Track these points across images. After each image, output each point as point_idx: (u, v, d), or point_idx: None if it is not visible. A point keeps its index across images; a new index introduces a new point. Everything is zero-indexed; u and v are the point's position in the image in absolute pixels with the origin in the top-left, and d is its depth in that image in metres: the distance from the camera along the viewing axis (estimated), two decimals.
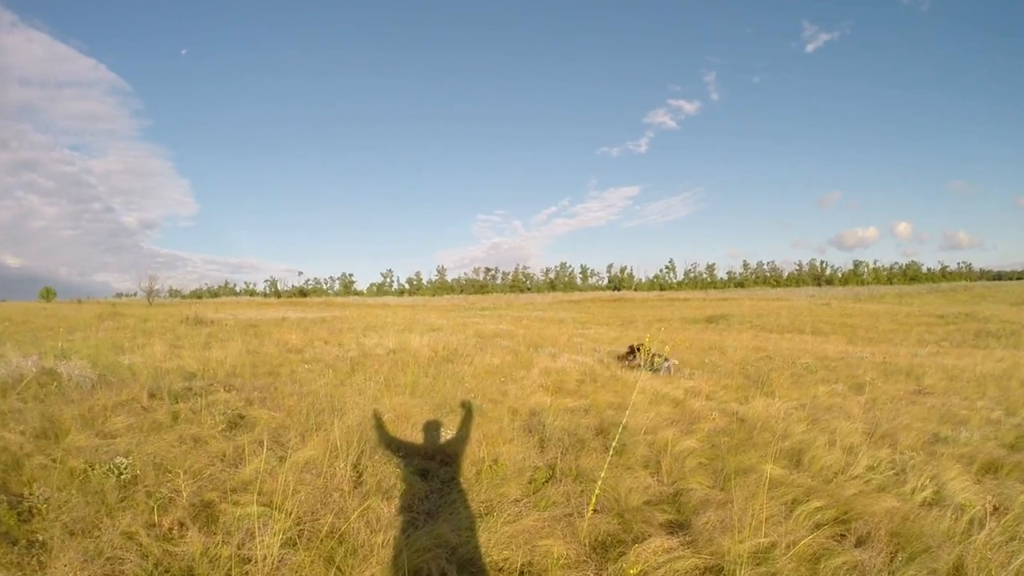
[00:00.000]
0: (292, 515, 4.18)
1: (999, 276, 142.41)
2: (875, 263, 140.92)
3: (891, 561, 3.90)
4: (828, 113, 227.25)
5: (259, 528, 3.84)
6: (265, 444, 5.48)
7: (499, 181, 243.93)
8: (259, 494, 4.40)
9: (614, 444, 5.18)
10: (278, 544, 3.75)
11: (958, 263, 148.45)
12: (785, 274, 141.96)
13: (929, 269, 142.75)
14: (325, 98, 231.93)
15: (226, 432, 6.10)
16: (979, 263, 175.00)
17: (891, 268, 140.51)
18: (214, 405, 6.95)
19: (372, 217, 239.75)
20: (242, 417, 6.69)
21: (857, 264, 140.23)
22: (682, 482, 5.31)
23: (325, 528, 4.07)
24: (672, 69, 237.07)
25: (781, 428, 7.10)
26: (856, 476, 5.55)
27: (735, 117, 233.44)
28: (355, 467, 5.27)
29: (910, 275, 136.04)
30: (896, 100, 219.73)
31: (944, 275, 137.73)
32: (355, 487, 4.95)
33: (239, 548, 3.75)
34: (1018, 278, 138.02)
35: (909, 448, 6.53)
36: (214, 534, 3.91)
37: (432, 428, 6.61)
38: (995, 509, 4.72)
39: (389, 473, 5.18)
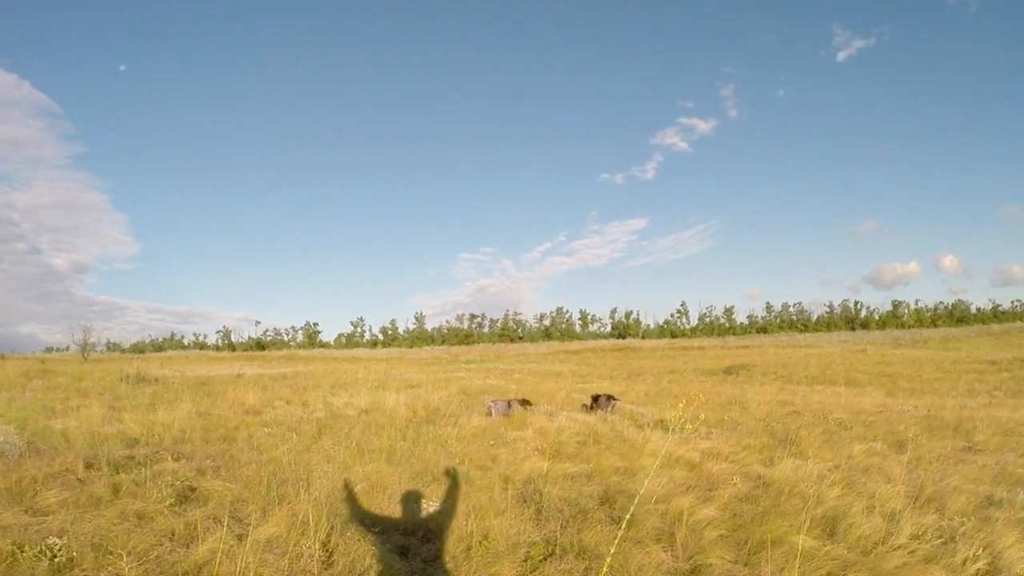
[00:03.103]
0: None
1: None
2: (917, 303, 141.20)
3: None
4: (862, 131, 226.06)
5: None
6: (221, 520, 5.48)
7: (485, 215, 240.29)
8: None
9: (626, 515, 5.21)
10: None
11: (1012, 301, 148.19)
12: (814, 317, 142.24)
13: (979, 309, 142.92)
14: (285, 122, 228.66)
15: (175, 507, 6.09)
16: None
17: (935, 308, 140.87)
18: (160, 476, 6.95)
19: (340, 258, 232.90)
20: (193, 489, 6.68)
21: (896, 304, 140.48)
22: (700, 557, 5.34)
23: None
24: (684, 82, 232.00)
25: (812, 493, 7.13)
26: (899, 546, 5.59)
27: (756, 137, 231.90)
28: (324, 545, 5.28)
29: (957, 316, 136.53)
30: (941, 115, 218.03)
31: (996, 315, 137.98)
32: (325, 568, 4.96)
33: None
34: None
35: (959, 513, 6.58)
36: None
37: (412, 500, 6.62)
38: None
39: (364, 552, 5.19)
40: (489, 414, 13.57)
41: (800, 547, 5.10)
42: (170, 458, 7.95)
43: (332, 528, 5.54)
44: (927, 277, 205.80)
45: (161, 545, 5.11)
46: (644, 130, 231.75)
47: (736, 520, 6.34)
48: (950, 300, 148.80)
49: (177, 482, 6.70)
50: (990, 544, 5.56)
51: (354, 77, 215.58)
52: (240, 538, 5.23)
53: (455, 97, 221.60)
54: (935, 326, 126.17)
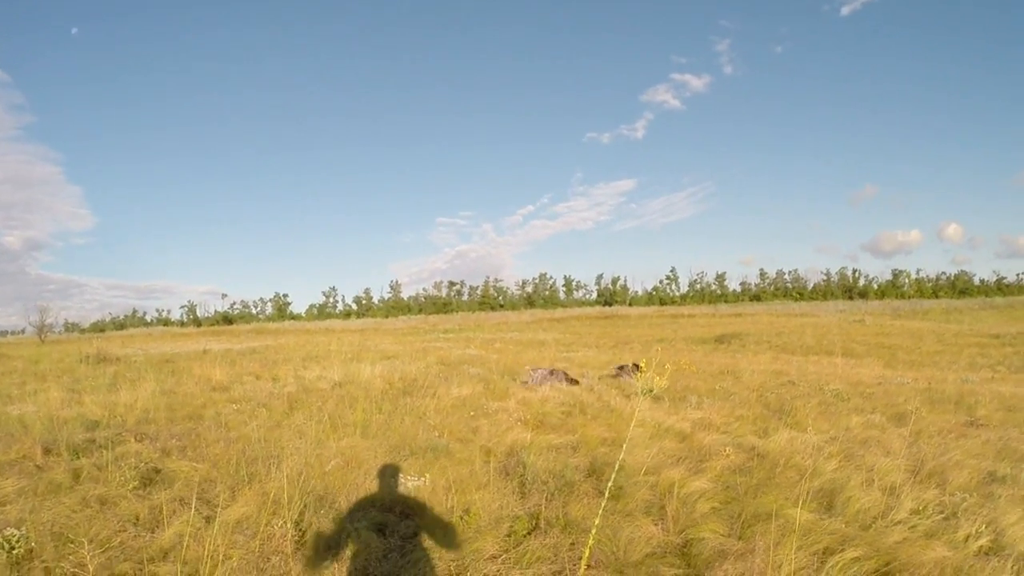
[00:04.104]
0: None
1: None
2: (918, 273, 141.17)
3: None
4: (865, 92, 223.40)
5: None
6: (189, 502, 5.45)
7: (464, 177, 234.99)
8: (183, 563, 4.39)
9: (610, 486, 5.21)
10: None
11: (1017, 274, 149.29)
12: (810, 285, 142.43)
13: (983, 280, 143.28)
14: (250, 85, 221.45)
15: (139, 490, 6.09)
16: None
17: (937, 279, 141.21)
18: (123, 458, 6.94)
19: (310, 226, 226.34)
20: (158, 471, 6.67)
21: (896, 274, 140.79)
22: (692, 530, 5.39)
23: None
24: (677, 36, 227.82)
25: (808, 465, 7.19)
26: (899, 521, 5.65)
27: (752, 96, 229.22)
28: (297, 525, 5.30)
29: (960, 287, 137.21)
30: (951, 76, 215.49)
31: (1000, 288, 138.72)
32: (298, 548, 4.98)
33: None
34: None
35: (960, 489, 6.64)
36: None
37: (389, 475, 6.63)
38: None
39: (339, 530, 5.20)
40: (526, 383, 13.74)
41: (797, 521, 5.14)
42: (133, 439, 7.93)
43: (305, 506, 5.55)
44: (929, 246, 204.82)
45: (125, 531, 5.11)
46: (634, 87, 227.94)
47: (729, 493, 6.39)
48: (953, 271, 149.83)
49: (141, 464, 6.68)
50: (993, 521, 5.62)
51: (323, 36, 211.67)
52: (208, 520, 5.22)
53: (432, 55, 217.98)
54: (936, 297, 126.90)
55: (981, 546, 5.19)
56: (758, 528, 5.31)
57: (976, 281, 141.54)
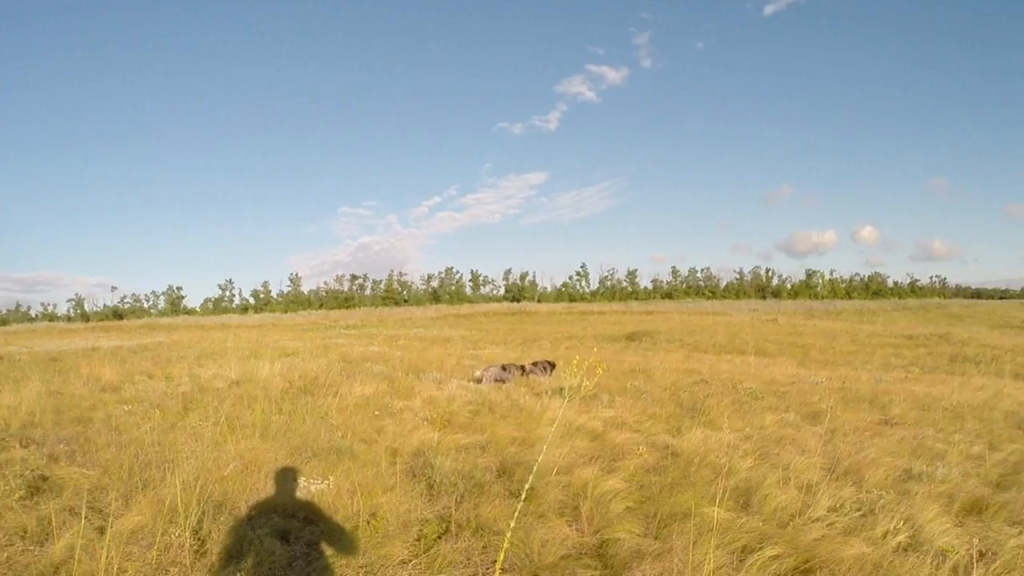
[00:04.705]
0: None
1: (978, 294, 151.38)
2: (832, 273, 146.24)
3: None
4: (783, 91, 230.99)
5: None
6: (80, 512, 5.24)
7: (368, 165, 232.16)
8: None
9: (525, 487, 5.19)
10: None
11: (931, 277, 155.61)
12: (723, 284, 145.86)
13: (896, 283, 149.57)
14: (144, 62, 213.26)
15: (26, 500, 5.89)
16: (955, 278, 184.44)
17: (851, 280, 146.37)
18: (8, 466, 6.72)
19: (206, 214, 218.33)
20: (46, 479, 6.46)
21: (810, 274, 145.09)
22: (607, 531, 5.44)
23: None
24: (595, 26, 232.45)
25: (724, 464, 7.32)
26: (817, 518, 5.82)
27: (670, 91, 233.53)
28: (196, 533, 5.19)
29: (873, 289, 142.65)
30: (870, 78, 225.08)
31: (914, 290, 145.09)
32: (198, 558, 4.88)
33: None
34: (1000, 297, 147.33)
35: (877, 486, 6.89)
36: None
37: (291, 478, 6.54)
38: (981, 555, 5.02)
39: (241, 538, 5.10)
40: (478, 381, 13.87)
41: (714, 519, 5.21)
42: (18, 445, 7.73)
43: (204, 513, 5.43)
44: (844, 247, 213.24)
45: (12, 545, 4.94)
46: (548, 77, 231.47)
47: (644, 492, 6.49)
48: (867, 272, 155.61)
49: (27, 472, 6.46)
50: (911, 517, 5.83)
51: (222, 11, 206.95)
52: (101, 531, 5.06)
53: (337, 35, 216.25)
54: (850, 298, 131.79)
55: (899, 542, 5.37)
56: (675, 527, 5.39)
57: (890, 283, 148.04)
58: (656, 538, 5.31)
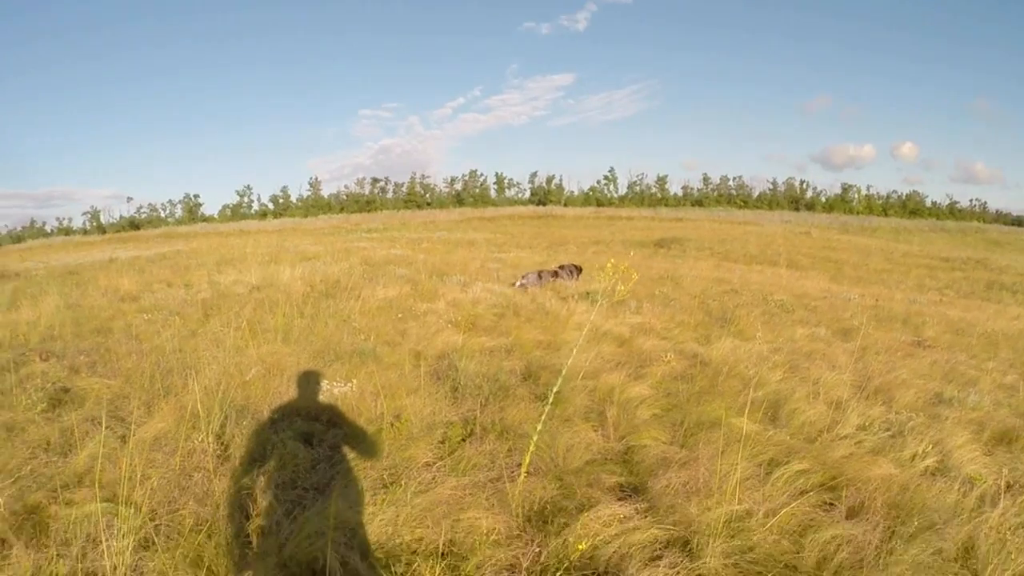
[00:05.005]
0: (144, 509, 4.14)
1: (1019, 221, 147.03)
2: (868, 189, 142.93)
3: (889, 537, 4.14)
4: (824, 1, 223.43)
5: (103, 531, 3.76)
6: (101, 421, 5.31)
7: (389, 66, 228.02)
8: (99, 487, 4.24)
9: (552, 391, 5.21)
10: (130, 548, 3.68)
11: (971, 200, 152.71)
12: (755, 194, 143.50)
13: (935, 203, 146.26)
14: None
15: (48, 413, 5.91)
16: (996, 203, 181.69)
17: (888, 197, 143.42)
18: (29, 380, 6.72)
19: (221, 118, 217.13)
20: (67, 391, 6.49)
21: (846, 188, 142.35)
22: (633, 437, 5.52)
23: (188, 520, 4.06)
24: None
25: (752, 375, 7.39)
26: (845, 436, 5.87)
27: None
28: (219, 438, 5.25)
29: (911, 207, 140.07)
30: None
31: (952, 212, 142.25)
32: (221, 463, 4.93)
33: (80, 560, 3.65)
34: None
35: (907, 408, 6.93)
36: (46, 547, 3.78)
37: (313, 381, 6.59)
38: (1009, 486, 5.05)
39: (263, 442, 5.16)
40: (518, 286, 13.93)
41: (742, 431, 5.23)
42: (38, 359, 7.68)
43: (226, 418, 5.48)
44: (882, 163, 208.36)
45: (35, 458, 4.94)
46: None
47: (671, 400, 6.56)
48: (905, 190, 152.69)
49: (48, 385, 6.49)
50: (940, 442, 5.86)
51: None
52: (123, 439, 5.13)
53: None
54: (886, 215, 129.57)
55: (927, 466, 5.42)
56: (701, 436, 5.44)
57: (928, 203, 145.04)
58: (682, 447, 5.37)
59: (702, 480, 4.53)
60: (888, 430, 6.14)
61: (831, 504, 4.54)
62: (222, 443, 5.21)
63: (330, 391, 6.38)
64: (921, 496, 4.65)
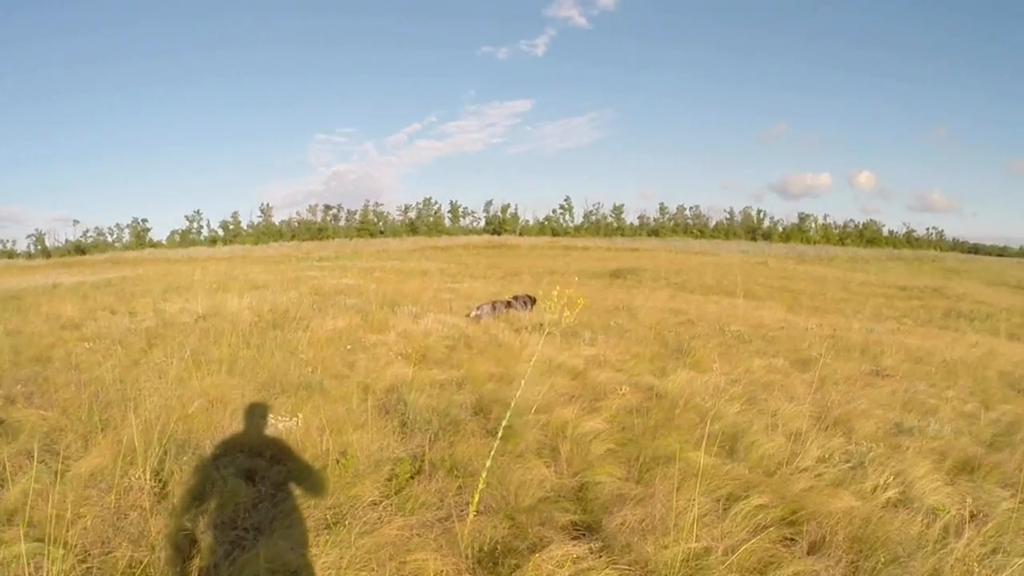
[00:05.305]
0: (76, 549, 4.02)
1: (976, 249, 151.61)
2: (825, 218, 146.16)
3: (853, 573, 4.13)
4: (787, 26, 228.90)
5: (32, 574, 3.67)
6: (34, 455, 5.15)
7: (345, 89, 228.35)
8: (30, 525, 4.16)
9: (503, 424, 5.14)
10: None
11: (928, 228, 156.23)
12: (712, 223, 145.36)
13: (892, 232, 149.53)
14: None
15: None
16: (952, 231, 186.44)
17: (845, 226, 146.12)
18: None
19: (171, 141, 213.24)
20: (1, 422, 6.31)
21: (803, 218, 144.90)
22: (587, 473, 5.43)
23: (122, 563, 3.94)
24: None
25: (709, 407, 7.34)
26: (804, 468, 5.85)
27: (666, 17, 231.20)
28: (157, 475, 5.12)
29: (868, 237, 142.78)
30: (875, 19, 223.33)
31: (909, 241, 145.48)
32: (159, 501, 4.81)
33: None
34: (998, 254, 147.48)
35: (867, 438, 6.92)
36: None
37: (258, 415, 6.47)
38: (973, 516, 5.05)
39: (204, 479, 5.04)
40: (472, 317, 14.02)
41: (699, 465, 5.18)
42: None
43: (166, 454, 5.36)
44: (839, 192, 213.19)
45: None
46: None
47: (626, 434, 6.48)
48: (862, 219, 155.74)
49: None
50: (901, 472, 5.86)
51: None
52: (58, 474, 4.94)
53: None
54: (843, 244, 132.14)
55: (889, 498, 5.40)
56: (658, 471, 5.37)
57: (885, 232, 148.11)
58: (638, 482, 5.31)
59: (658, 517, 4.47)
60: (848, 461, 6.12)
61: (792, 539, 4.50)
62: (160, 480, 5.07)
63: (275, 425, 6.23)
64: (884, 529, 4.63)
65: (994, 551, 4.52)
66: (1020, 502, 5.30)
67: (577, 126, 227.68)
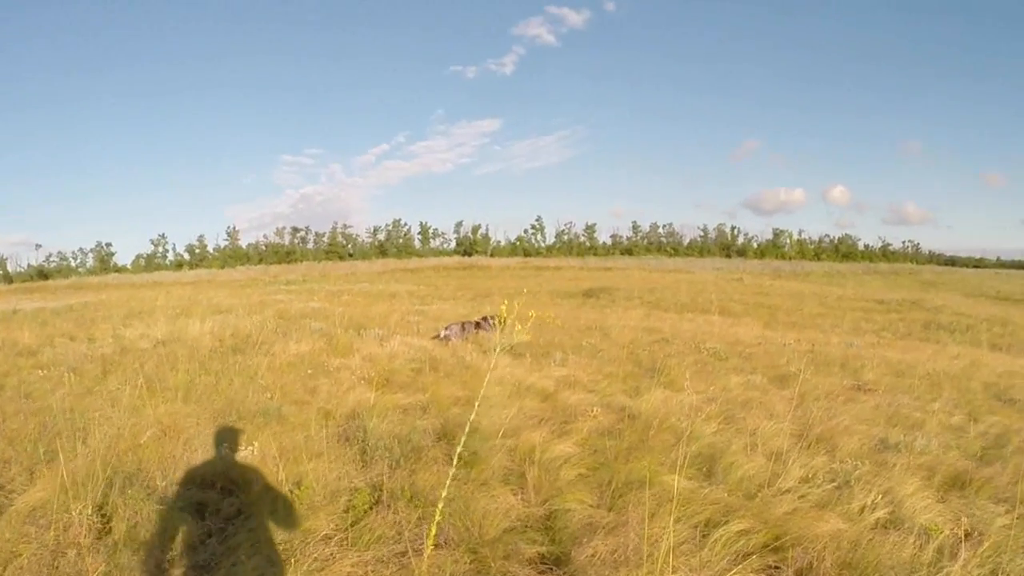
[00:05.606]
0: None
1: (952, 261, 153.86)
2: (800, 233, 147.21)
3: None
4: (755, 43, 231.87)
5: None
6: None
7: (311, 110, 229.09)
8: None
9: (460, 451, 4.92)
10: None
11: (903, 241, 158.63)
12: (686, 241, 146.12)
13: (867, 246, 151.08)
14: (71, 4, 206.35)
15: None
16: (928, 244, 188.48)
17: (820, 241, 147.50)
18: None
19: (136, 163, 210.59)
20: None
21: (778, 233, 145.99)
22: (556, 500, 5.25)
23: None
24: None
25: (685, 428, 7.17)
26: (787, 490, 5.66)
27: (634, 36, 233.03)
28: (100, 509, 4.92)
29: (843, 251, 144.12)
30: (847, 32, 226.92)
31: (885, 254, 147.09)
32: (100, 538, 4.63)
33: None
34: (975, 266, 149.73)
35: (852, 456, 6.78)
36: None
37: (212, 445, 6.35)
38: (967, 534, 4.89)
39: (149, 513, 4.85)
40: (440, 337, 13.91)
41: (674, 489, 4.98)
42: None
43: (111, 486, 5.15)
44: (813, 207, 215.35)
45: None
46: (505, 17, 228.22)
47: (597, 457, 6.31)
48: (837, 234, 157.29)
49: None
50: (889, 491, 5.71)
51: None
52: None
53: None
54: (819, 259, 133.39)
55: (878, 518, 5.23)
56: (631, 497, 5.19)
57: (861, 246, 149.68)
58: (610, 509, 5.12)
59: (632, 547, 4.27)
60: (833, 481, 5.94)
61: (776, 567, 4.33)
62: (103, 515, 4.86)
63: (228, 455, 6.07)
64: (874, 552, 4.46)
65: (993, 572, 4.35)
66: (1017, 517, 5.14)
67: (547, 145, 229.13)
